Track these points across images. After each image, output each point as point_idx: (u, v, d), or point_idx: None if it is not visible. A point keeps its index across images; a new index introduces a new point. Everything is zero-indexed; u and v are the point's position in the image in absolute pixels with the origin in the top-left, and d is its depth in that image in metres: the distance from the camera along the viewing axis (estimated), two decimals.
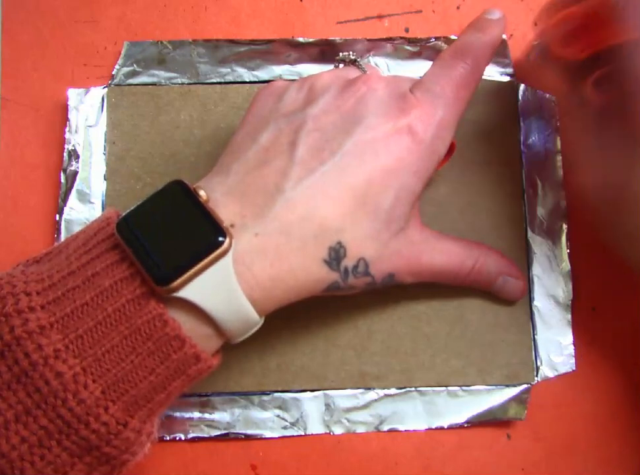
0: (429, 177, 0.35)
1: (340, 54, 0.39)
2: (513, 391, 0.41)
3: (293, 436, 0.41)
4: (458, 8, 0.46)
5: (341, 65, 0.40)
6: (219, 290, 0.30)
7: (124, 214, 0.31)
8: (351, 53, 0.39)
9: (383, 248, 0.34)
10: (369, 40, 0.45)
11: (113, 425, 0.29)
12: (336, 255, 0.32)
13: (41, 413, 0.28)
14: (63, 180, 0.43)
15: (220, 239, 0.29)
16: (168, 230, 0.30)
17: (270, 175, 0.32)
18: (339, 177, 0.32)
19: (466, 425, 0.41)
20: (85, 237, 0.32)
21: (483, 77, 0.43)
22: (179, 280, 0.29)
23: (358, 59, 0.38)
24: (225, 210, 0.31)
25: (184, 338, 0.29)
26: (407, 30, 0.45)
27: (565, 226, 0.42)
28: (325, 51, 0.45)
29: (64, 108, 0.44)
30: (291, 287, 0.32)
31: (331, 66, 0.43)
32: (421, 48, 0.45)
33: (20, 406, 0.28)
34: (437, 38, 0.45)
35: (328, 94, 0.34)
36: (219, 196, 0.32)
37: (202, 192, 0.31)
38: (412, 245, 0.35)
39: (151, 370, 0.29)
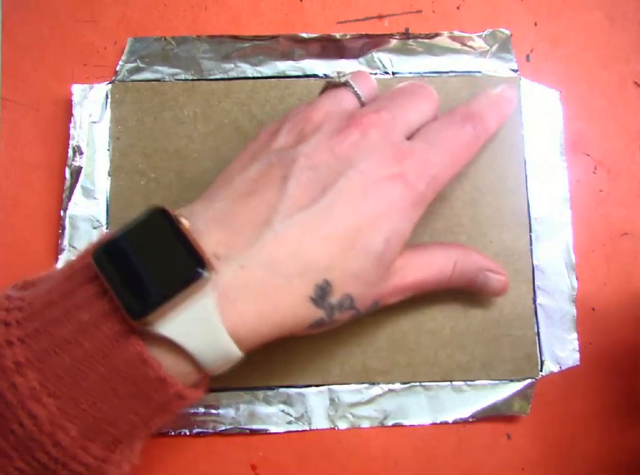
0: (418, 221, 0.35)
1: (331, 75, 0.38)
2: (517, 386, 0.41)
3: (297, 431, 0.41)
4: (458, 8, 0.46)
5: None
6: (199, 326, 0.28)
7: (103, 241, 0.29)
8: (341, 74, 0.38)
9: (370, 285, 0.33)
10: (371, 36, 0.45)
11: (93, 463, 0.28)
12: (322, 293, 0.31)
13: (16, 456, 0.27)
14: (67, 175, 0.43)
15: (200, 270, 0.28)
16: (147, 260, 0.28)
17: (258, 207, 0.31)
18: (329, 217, 0.31)
19: (470, 420, 0.41)
20: (70, 263, 0.30)
21: (486, 72, 0.44)
22: (154, 314, 0.27)
23: (350, 81, 0.37)
24: (208, 238, 0.30)
25: (165, 378, 0.28)
26: (407, 30, 0.45)
27: (569, 220, 0.43)
28: (329, 47, 0.45)
29: (65, 108, 0.44)
30: (276, 324, 0.31)
31: (335, 62, 0.44)
32: (425, 43, 0.45)
33: None
34: (439, 34, 0.45)
35: (320, 133, 0.34)
36: (202, 223, 0.31)
37: (184, 220, 0.30)
38: (395, 273, 0.35)
39: (131, 410, 0.28)
